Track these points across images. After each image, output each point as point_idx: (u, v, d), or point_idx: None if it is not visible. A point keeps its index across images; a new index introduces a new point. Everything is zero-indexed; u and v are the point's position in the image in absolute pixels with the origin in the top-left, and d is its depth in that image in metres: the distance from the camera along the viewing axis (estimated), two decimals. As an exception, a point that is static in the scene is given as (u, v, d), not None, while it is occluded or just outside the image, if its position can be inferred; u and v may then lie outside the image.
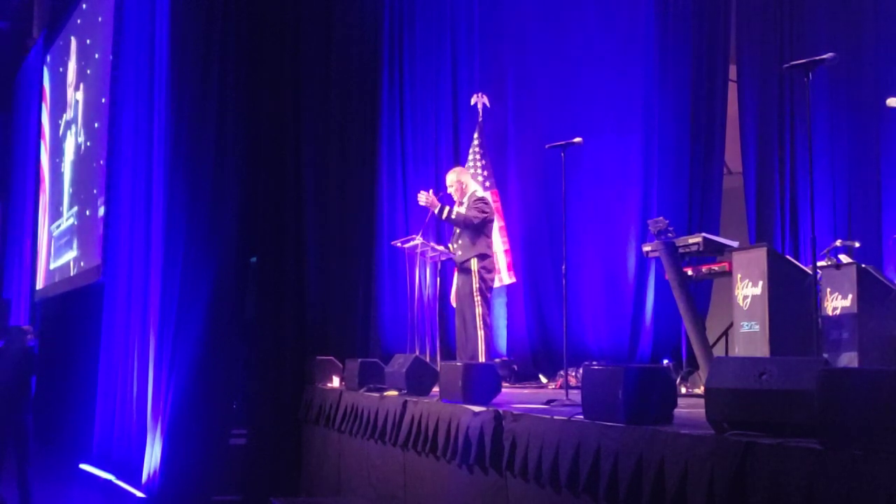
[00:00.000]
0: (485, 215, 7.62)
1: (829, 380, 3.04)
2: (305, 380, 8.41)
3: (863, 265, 6.28)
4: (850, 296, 6.14)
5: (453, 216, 7.59)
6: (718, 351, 8.74)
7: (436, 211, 7.60)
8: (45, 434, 11.58)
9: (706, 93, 9.74)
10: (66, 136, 13.32)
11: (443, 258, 7.81)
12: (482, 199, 7.82)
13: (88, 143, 11.89)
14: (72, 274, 12.17)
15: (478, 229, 7.58)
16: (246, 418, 8.74)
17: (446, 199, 8.09)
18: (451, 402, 5.61)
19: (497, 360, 8.59)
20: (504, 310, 9.38)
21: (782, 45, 9.44)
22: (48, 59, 14.90)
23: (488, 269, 7.70)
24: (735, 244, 6.89)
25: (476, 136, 8.89)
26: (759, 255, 6.50)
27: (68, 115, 13.25)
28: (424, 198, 7.63)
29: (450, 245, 7.81)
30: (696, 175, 9.64)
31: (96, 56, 11.84)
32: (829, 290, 6.30)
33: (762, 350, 6.26)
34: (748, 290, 6.52)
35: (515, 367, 8.94)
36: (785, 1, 9.52)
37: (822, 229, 8.45)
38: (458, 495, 5.34)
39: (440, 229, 8.67)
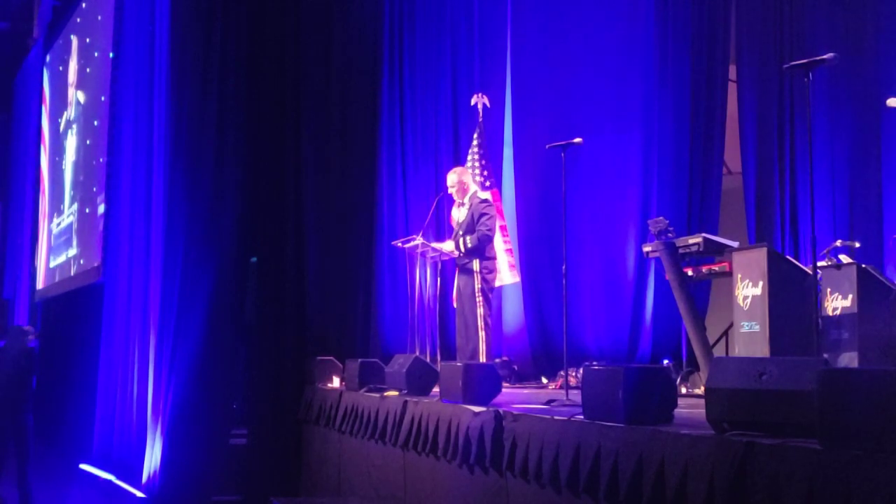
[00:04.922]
0: (493, 224, 7.66)
1: (829, 380, 3.04)
2: (305, 380, 8.40)
3: (863, 265, 6.29)
4: (850, 296, 6.15)
5: (470, 245, 7.57)
6: (718, 351, 8.74)
7: (458, 255, 7.61)
8: (45, 434, 11.57)
9: (706, 93, 9.73)
10: (65, 135, 13.33)
11: (443, 258, 7.81)
12: (487, 203, 7.81)
13: (88, 142, 11.89)
14: (72, 272, 12.18)
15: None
16: (246, 418, 8.73)
17: (446, 198, 8.10)
18: (452, 402, 5.61)
19: (497, 360, 8.60)
20: (504, 310, 9.38)
21: (782, 45, 9.45)
22: (48, 58, 14.91)
23: (490, 269, 7.72)
24: (735, 244, 6.89)
25: (476, 136, 8.89)
26: (759, 255, 6.50)
27: (68, 114, 13.25)
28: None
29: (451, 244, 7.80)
30: (696, 175, 9.63)
31: (96, 55, 11.84)
32: (829, 290, 6.30)
33: (762, 350, 6.27)
34: (748, 290, 6.52)
35: (515, 367, 8.94)
36: (785, 1, 9.53)
37: (822, 229, 8.47)
38: (459, 495, 5.35)
39: (440, 229, 8.67)
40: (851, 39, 9.14)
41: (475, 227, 7.60)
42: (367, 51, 9.13)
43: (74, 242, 12.19)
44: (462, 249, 7.59)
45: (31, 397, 8.35)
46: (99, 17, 11.79)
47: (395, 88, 9.13)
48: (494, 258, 7.92)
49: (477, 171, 8.76)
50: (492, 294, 7.85)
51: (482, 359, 7.40)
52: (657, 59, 9.76)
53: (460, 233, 7.70)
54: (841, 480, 2.81)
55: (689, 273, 7.23)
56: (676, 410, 4.11)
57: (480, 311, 7.58)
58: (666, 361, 8.31)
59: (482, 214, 7.62)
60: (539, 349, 9.40)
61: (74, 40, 13.19)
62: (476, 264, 7.60)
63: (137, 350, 8.91)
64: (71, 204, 12.62)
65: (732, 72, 9.88)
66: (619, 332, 9.46)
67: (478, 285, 7.59)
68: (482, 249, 7.62)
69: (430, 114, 9.26)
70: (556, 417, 4.45)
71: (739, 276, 6.65)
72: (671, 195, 9.57)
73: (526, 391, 7.71)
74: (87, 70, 12.30)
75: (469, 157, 8.88)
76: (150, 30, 9.30)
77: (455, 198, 7.90)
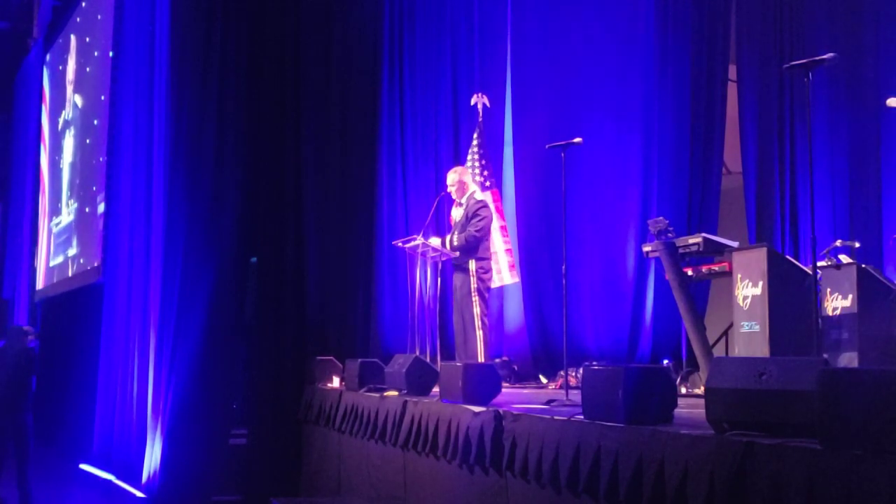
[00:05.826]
0: (483, 226, 7.64)
1: (829, 380, 3.04)
2: (305, 380, 8.40)
3: (863, 265, 6.29)
4: (850, 296, 6.15)
5: (456, 244, 7.59)
6: (718, 351, 8.74)
7: (452, 253, 7.62)
8: (45, 434, 11.57)
9: (706, 93, 9.74)
10: (65, 134, 13.33)
11: (443, 258, 7.81)
12: (481, 204, 7.81)
13: (88, 141, 11.89)
14: (71, 272, 12.17)
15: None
16: (246, 418, 8.73)
17: (446, 198, 8.10)
18: (451, 402, 5.61)
19: (497, 360, 8.60)
20: (504, 310, 9.38)
21: (782, 45, 9.45)
22: (48, 57, 14.91)
23: (486, 269, 7.73)
24: (735, 244, 6.89)
25: (476, 136, 8.89)
26: (759, 255, 6.51)
27: (68, 113, 13.25)
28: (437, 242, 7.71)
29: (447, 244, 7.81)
30: (696, 175, 9.64)
31: (96, 54, 11.85)
32: (829, 290, 6.31)
33: (762, 350, 6.27)
34: (748, 290, 6.52)
35: (515, 367, 8.94)
36: (785, 1, 9.53)
37: (822, 229, 8.46)
38: (459, 495, 5.34)
39: (441, 230, 8.67)
40: (851, 39, 9.14)
41: (467, 228, 7.63)
42: (367, 51, 9.13)
43: (74, 242, 12.18)
44: (448, 247, 7.61)
45: (31, 397, 8.35)
46: (99, 17, 11.79)
47: (395, 88, 9.13)
48: (489, 258, 7.93)
49: (477, 171, 8.77)
50: (488, 294, 7.86)
51: (480, 358, 7.40)
52: (657, 59, 9.76)
53: (456, 232, 7.73)
54: (841, 480, 2.81)
55: (689, 273, 7.23)
56: (676, 410, 4.11)
57: (477, 310, 7.59)
58: (666, 361, 8.31)
59: (475, 215, 7.64)
60: (539, 349, 9.39)
61: (74, 40, 13.19)
62: (472, 264, 7.62)
63: (137, 350, 8.91)
64: (70, 203, 12.61)
65: (732, 72, 9.88)
66: (619, 332, 9.46)
67: (474, 285, 7.60)
68: (470, 249, 7.62)
69: (430, 114, 9.26)
70: (556, 417, 4.45)
71: (739, 276, 6.65)
72: (671, 195, 9.57)
73: (526, 391, 7.71)
74: (87, 69, 12.30)
75: (469, 157, 8.88)
76: (150, 30, 9.31)
77: (454, 197, 7.92)
